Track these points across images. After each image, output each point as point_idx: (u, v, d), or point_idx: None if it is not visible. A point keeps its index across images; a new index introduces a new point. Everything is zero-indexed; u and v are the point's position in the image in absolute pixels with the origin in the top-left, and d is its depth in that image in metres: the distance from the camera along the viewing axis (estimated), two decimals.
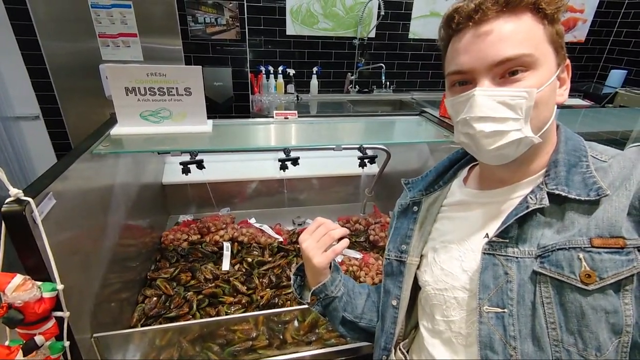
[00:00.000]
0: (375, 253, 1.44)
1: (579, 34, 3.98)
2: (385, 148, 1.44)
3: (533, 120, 0.48)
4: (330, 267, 0.70)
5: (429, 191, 0.67)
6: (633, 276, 0.43)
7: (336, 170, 1.81)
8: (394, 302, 0.65)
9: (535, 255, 0.48)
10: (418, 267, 0.64)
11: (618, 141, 1.37)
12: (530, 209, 0.49)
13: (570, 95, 3.54)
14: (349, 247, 1.32)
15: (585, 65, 4.28)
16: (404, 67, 3.59)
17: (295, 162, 1.17)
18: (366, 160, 1.28)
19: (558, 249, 0.46)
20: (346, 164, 1.79)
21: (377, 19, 3.15)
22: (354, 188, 1.86)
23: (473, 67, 0.49)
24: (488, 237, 0.54)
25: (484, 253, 0.52)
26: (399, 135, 1.50)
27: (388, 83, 3.51)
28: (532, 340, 0.47)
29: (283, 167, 1.17)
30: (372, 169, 1.45)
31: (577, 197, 0.47)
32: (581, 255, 0.44)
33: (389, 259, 0.68)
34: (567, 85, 0.53)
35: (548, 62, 0.48)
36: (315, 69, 3.24)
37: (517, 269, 0.49)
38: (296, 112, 1.39)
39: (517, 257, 0.50)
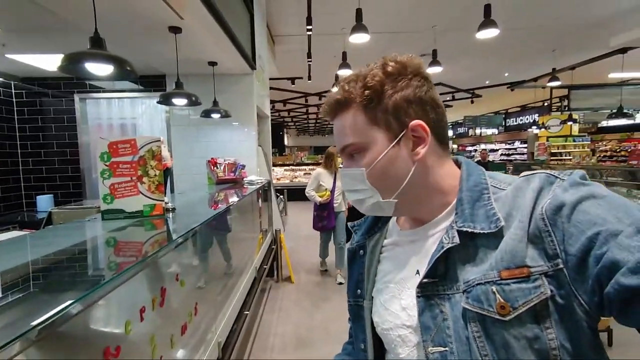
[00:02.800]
0: None
1: None
2: None
3: (380, 189, 0.57)
4: None
5: (371, 233, 0.70)
6: (547, 301, 0.44)
7: None
8: (362, 346, 0.67)
9: (462, 290, 0.50)
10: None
11: None
12: (444, 249, 0.52)
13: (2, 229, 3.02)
14: None
15: (5, 197, 3.89)
16: None
17: None
18: None
19: (477, 284, 0.48)
20: None
21: None
22: None
23: (337, 151, 0.63)
24: (419, 273, 0.57)
25: (418, 296, 0.54)
26: None
27: None
28: None
29: None
30: None
31: (482, 231, 0.50)
32: (494, 289, 0.46)
33: (350, 304, 0.69)
34: (425, 142, 0.55)
35: (376, 141, 0.55)
36: None
37: (450, 307, 0.51)
38: None
39: (448, 294, 0.52)
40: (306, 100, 11.84)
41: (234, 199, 2.50)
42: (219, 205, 2.19)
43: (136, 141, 1.62)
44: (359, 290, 0.67)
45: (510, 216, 0.49)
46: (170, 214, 1.75)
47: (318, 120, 17.71)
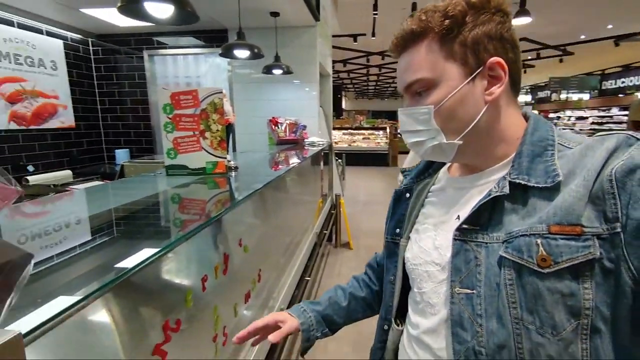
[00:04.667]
0: None
1: (67, 120, 3.79)
2: None
3: (447, 128, 0.54)
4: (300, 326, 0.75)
5: (420, 179, 0.71)
6: (593, 262, 0.44)
7: None
8: (391, 278, 0.70)
9: (502, 240, 0.51)
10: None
11: None
12: (491, 196, 0.52)
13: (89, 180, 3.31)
14: None
15: (89, 149, 4.22)
16: None
17: None
18: None
19: (520, 235, 0.49)
20: None
21: None
22: None
23: (400, 89, 0.60)
24: (459, 218, 0.57)
25: (455, 239, 0.55)
26: None
27: None
28: (496, 318, 0.49)
29: None
30: None
31: (536, 185, 0.50)
32: (539, 241, 0.47)
33: (387, 240, 0.72)
34: (502, 82, 0.54)
35: (448, 78, 0.53)
36: None
37: (486, 254, 0.52)
38: None
39: (486, 243, 0.52)
40: (367, 60, 11.12)
41: (295, 160, 2.36)
42: (280, 167, 2.06)
43: (198, 92, 1.50)
44: (397, 230, 0.70)
45: (573, 174, 0.48)
46: (233, 172, 1.65)
47: (378, 83, 16.81)
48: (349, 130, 11.06)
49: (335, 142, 10.12)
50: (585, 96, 13.72)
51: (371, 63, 11.39)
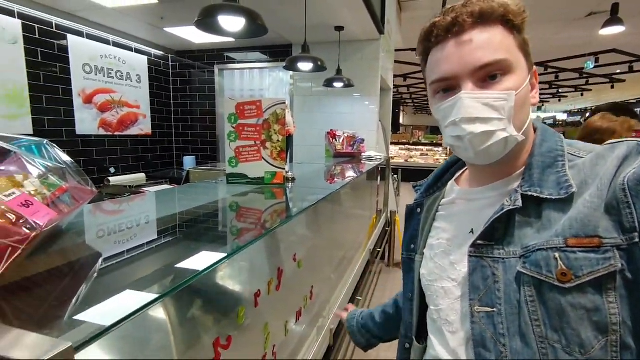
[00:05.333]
0: None
1: (145, 127, 4.18)
2: None
3: (515, 120, 0.50)
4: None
5: (429, 193, 0.70)
6: (615, 274, 0.42)
7: None
8: (409, 295, 0.68)
9: (519, 255, 0.49)
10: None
11: None
12: (504, 210, 0.51)
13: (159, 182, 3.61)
14: None
15: (162, 155, 4.60)
16: None
17: None
18: None
19: (537, 250, 0.47)
20: None
21: None
22: None
23: (456, 73, 0.51)
24: (473, 232, 0.56)
25: (470, 256, 0.53)
26: None
27: None
28: (519, 337, 0.47)
29: None
30: None
31: (550, 197, 0.49)
32: (557, 255, 0.45)
33: (403, 257, 0.71)
34: (537, 89, 0.56)
35: (521, 67, 0.52)
36: None
37: (503, 270, 0.50)
38: None
39: (503, 258, 0.50)
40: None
41: (351, 174, 2.30)
42: (336, 180, 2.02)
43: (262, 103, 1.52)
44: (412, 245, 0.69)
45: (586, 184, 0.47)
46: (290, 183, 1.64)
47: None
48: (407, 146, 10.77)
49: (392, 157, 9.90)
50: None
51: None
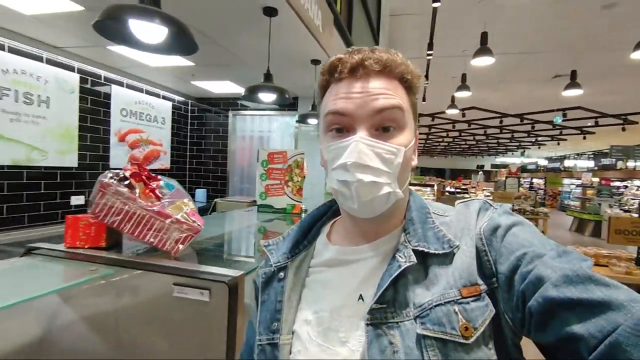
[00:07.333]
0: None
1: (165, 162, 4.71)
2: None
3: (399, 177, 0.50)
4: None
5: (294, 253, 0.58)
6: (492, 319, 0.43)
7: None
8: None
9: (413, 316, 0.45)
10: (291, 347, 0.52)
11: None
12: (402, 268, 0.47)
13: None
14: None
15: None
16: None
17: None
18: None
19: (435, 306, 0.44)
20: None
21: None
22: None
23: (354, 113, 0.49)
24: (362, 299, 0.49)
25: (367, 324, 0.46)
26: None
27: None
28: None
29: None
30: None
31: (435, 252, 0.48)
32: (456, 308, 0.43)
33: (260, 344, 0.53)
34: (416, 153, 0.57)
35: (410, 127, 0.52)
36: None
37: (400, 336, 0.45)
38: None
39: (397, 322, 0.46)
40: (418, 121, 11.70)
41: None
42: None
43: (287, 153, 2.08)
44: (275, 324, 0.53)
45: (457, 237, 0.49)
46: (303, 213, 2.16)
47: (427, 141, 17.24)
48: None
49: None
50: None
51: (421, 123, 11.99)
